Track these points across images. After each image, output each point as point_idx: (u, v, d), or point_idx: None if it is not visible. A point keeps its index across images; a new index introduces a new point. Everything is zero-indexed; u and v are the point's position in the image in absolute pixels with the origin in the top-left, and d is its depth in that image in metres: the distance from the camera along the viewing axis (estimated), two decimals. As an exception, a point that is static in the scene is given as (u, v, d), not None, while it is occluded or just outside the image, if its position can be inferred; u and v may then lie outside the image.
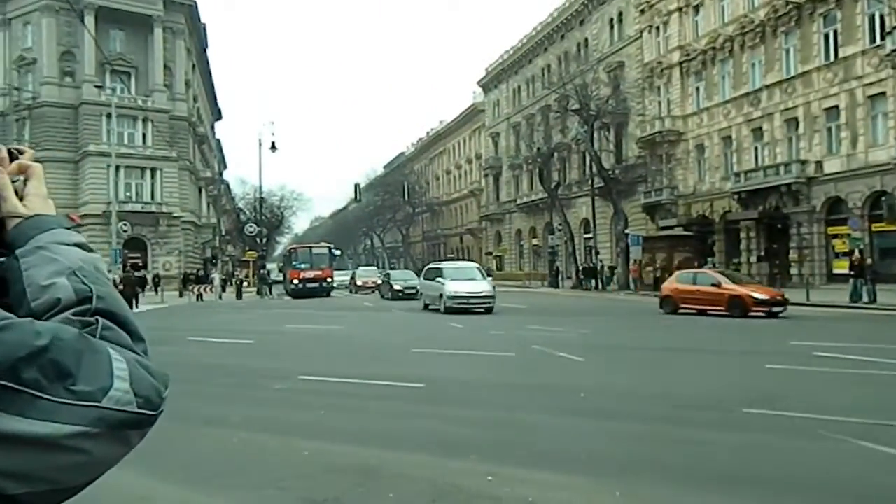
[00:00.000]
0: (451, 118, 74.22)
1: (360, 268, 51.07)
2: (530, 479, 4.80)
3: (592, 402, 7.53)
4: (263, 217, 57.39)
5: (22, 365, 0.61)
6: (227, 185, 75.12)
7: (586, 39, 45.71)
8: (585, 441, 5.79)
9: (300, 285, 36.37)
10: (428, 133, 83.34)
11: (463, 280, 21.80)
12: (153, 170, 45.57)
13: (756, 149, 32.62)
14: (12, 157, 1.16)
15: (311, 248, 40.99)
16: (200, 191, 56.64)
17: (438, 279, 22.25)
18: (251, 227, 49.04)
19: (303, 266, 37.24)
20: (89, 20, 43.71)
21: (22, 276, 0.77)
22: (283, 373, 9.85)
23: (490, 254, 60.72)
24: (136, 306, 26.18)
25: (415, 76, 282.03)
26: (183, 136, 49.69)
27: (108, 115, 41.49)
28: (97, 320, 0.75)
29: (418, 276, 30.17)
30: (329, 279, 37.40)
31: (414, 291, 28.15)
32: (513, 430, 6.35)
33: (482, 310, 20.91)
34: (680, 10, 36.60)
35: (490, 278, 25.03)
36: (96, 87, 42.98)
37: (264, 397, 8.27)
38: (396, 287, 30.74)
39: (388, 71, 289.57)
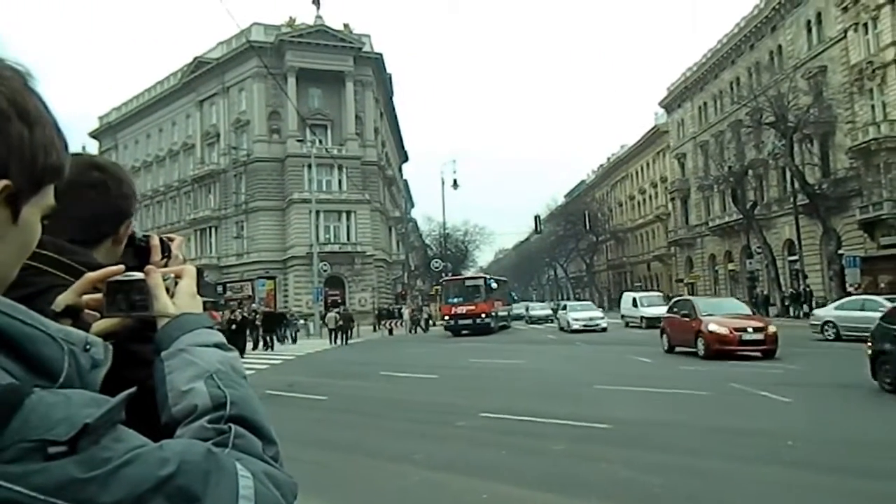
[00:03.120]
0: (633, 142, 72.18)
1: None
2: (727, 540, 4.32)
3: (801, 451, 6.69)
4: (448, 252, 59.53)
5: (148, 496, 0.62)
6: (415, 223, 78.98)
7: (780, 46, 42.30)
8: (793, 499, 5.13)
9: (452, 322, 33.24)
10: (609, 159, 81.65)
11: None
12: (348, 212, 49.17)
13: None
14: (163, 245, 1.24)
15: (463, 280, 37.60)
16: (390, 230, 60.05)
17: None
18: (437, 262, 50.99)
19: (454, 300, 33.77)
20: (291, 81, 48.70)
21: (165, 380, 0.82)
22: (465, 409, 9.93)
23: (681, 281, 57.53)
24: (349, 339, 30.41)
25: (593, 103, 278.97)
26: (373, 179, 53.16)
27: (309, 166, 45.58)
28: (230, 428, 0.77)
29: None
30: (485, 314, 32.79)
31: None
32: (706, 480, 5.82)
33: None
34: (892, 1, 32.64)
35: None
36: (298, 141, 47.51)
37: (447, 434, 8.39)
38: None
39: (566, 99, 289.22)
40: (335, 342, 29.81)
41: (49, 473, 0.58)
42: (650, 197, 67.80)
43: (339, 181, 50.00)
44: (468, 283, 35.53)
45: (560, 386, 12.68)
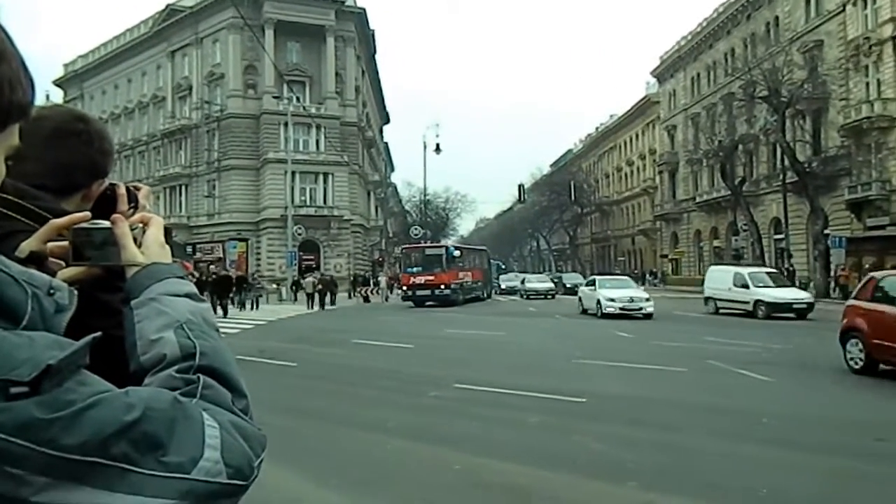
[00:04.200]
0: (623, 112, 72.17)
1: None
2: (696, 514, 4.47)
3: (776, 429, 6.89)
4: (428, 219, 59.41)
5: (112, 440, 0.63)
6: (395, 188, 78.61)
7: (776, 18, 42.34)
8: (764, 474, 5.30)
9: (410, 292, 32.86)
10: (597, 129, 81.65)
11: None
12: (325, 174, 48.80)
13: None
14: (130, 193, 1.24)
15: (423, 248, 36.39)
16: (369, 194, 59.75)
17: None
18: (416, 229, 50.93)
19: (413, 270, 33.28)
20: (269, 34, 47.78)
21: (134, 328, 0.84)
22: (440, 379, 10.06)
23: (665, 256, 58.23)
24: (333, 303, 31.56)
25: (583, 70, 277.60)
26: (352, 141, 52.69)
27: (285, 124, 45.04)
28: (199, 378, 0.78)
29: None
30: (444, 285, 32.03)
31: None
32: (680, 455, 5.98)
33: None
34: (893, -25, 32.70)
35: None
36: (274, 97, 46.86)
37: (420, 404, 8.50)
38: None
39: (554, 66, 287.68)
40: (312, 307, 30.20)
41: (10, 413, 0.59)
42: (638, 169, 68.07)
43: (317, 141, 49.52)
44: (428, 252, 34.73)
45: (537, 359, 12.85)
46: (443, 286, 31.92)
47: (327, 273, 38.14)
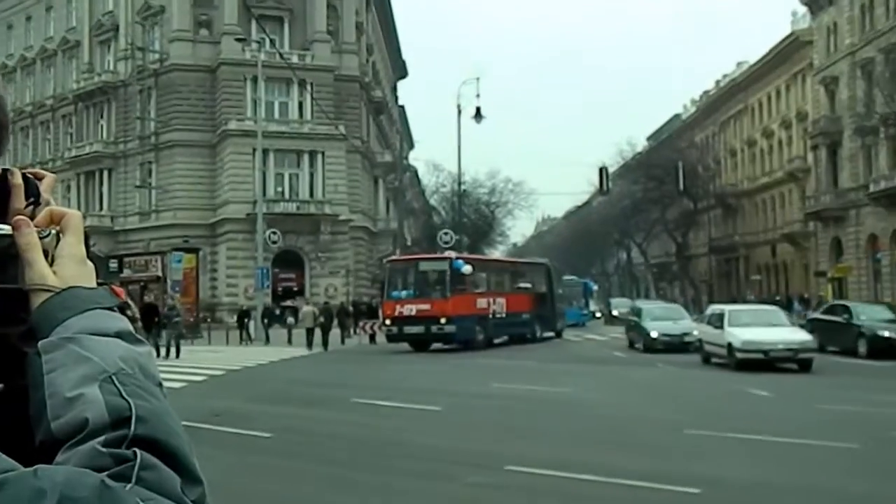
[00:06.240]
0: (757, 58, 71.63)
1: None
2: None
3: None
4: (465, 219, 59.39)
5: None
6: (415, 173, 78.84)
7: None
8: None
9: (394, 328, 32.32)
10: (717, 83, 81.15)
11: None
12: (312, 153, 49.22)
13: None
14: (28, 183, 1.25)
15: (416, 262, 35.74)
16: (377, 182, 60.17)
17: None
18: (446, 233, 50.83)
19: (401, 294, 32.79)
20: (230, -52, 48.62)
21: (43, 380, 0.83)
22: (483, 458, 10.07)
23: (822, 274, 57.38)
24: (350, 336, 35.35)
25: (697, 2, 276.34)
26: (353, 104, 53.13)
27: (254, 79, 45.53)
28: (135, 454, 0.77)
29: None
30: (446, 319, 30.64)
31: None
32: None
33: None
34: None
35: None
36: (238, 40, 47.25)
37: (455, 496, 8.54)
38: None
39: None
40: (311, 347, 31.42)
41: None
42: (780, 143, 67.43)
43: (300, 104, 50.10)
44: (423, 266, 34.18)
45: (628, 428, 12.86)
46: (443, 319, 30.72)
47: (323, 299, 38.71)
